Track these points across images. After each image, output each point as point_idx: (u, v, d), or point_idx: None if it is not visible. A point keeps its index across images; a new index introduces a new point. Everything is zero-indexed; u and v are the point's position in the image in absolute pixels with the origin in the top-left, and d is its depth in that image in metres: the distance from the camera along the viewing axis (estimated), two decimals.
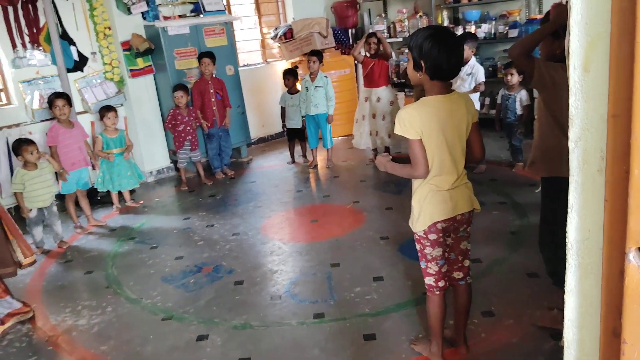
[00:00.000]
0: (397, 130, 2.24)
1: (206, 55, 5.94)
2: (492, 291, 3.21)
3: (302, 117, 6.18)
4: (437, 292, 2.46)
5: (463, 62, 2.23)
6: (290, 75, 6.35)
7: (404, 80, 7.32)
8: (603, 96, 0.80)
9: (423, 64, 2.18)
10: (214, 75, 6.08)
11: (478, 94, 5.34)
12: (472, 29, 6.81)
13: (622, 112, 0.74)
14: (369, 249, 4.00)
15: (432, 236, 2.36)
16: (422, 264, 2.46)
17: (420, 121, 2.19)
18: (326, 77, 6.04)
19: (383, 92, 5.89)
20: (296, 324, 3.11)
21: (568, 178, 0.90)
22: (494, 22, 6.78)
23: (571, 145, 0.87)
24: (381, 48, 5.79)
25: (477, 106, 5.44)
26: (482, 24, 6.82)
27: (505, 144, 5.77)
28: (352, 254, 3.94)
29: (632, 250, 0.77)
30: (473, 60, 5.25)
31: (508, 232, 4.04)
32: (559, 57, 2.56)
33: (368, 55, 5.88)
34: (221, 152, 6.28)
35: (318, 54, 6.02)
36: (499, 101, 5.45)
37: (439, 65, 2.16)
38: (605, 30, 0.77)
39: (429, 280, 2.46)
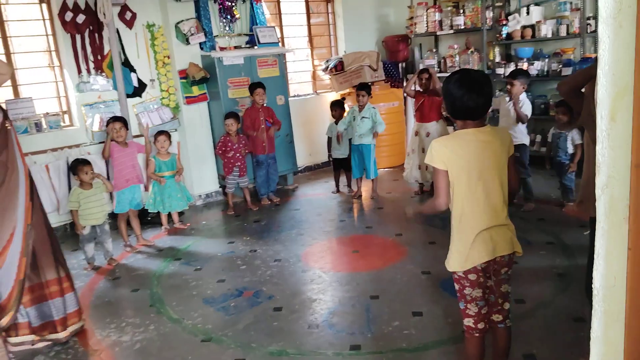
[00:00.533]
0: (427, 159, 2.31)
1: (260, 85, 6.13)
2: (535, 334, 3.13)
3: (339, 132, 6.23)
4: (477, 335, 2.42)
5: (485, 101, 2.28)
6: (337, 106, 6.45)
7: None
8: (629, 145, 0.81)
9: (445, 104, 2.31)
10: (264, 105, 6.25)
11: (525, 126, 5.26)
12: (524, 66, 6.76)
13: None
14: (410, 282, 3.98)
15: (472, 276, 2.33)
16: (461, 305, 2.44)
17: (448, 153, 2.24)
18: (374, 108, 6.10)
19: (433, 127, 5.91)
20: (332, 354, 3.11)
21: None
22: (547, 60, 6.70)
23: (598, 192, 0.88)
24: (431, 84, 5.83)
25: (527, 140, 5.34)
26: (535, 61, 6.75)
27: (555, 183, 5.65)
28: (393, 287, 3.92)
29: None
30: (523, 96, 5.20)
31: (555, 273, 3.93)
32: None
33: (420, 90, 5.93)
34: (268, 179, 6.41)
35: (367, 88, 6.11)
36: (549, 139, 5.36)
37: (457, 106, 2.25)
38: (632, 81, 0.79)
39: (468, 322, 2.43)
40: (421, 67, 7.82)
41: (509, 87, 5.20)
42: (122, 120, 5.16)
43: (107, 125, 5.19)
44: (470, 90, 2.22)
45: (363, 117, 6.03)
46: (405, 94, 6.08)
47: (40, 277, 3.33)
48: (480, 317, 2.40)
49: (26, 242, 3.20)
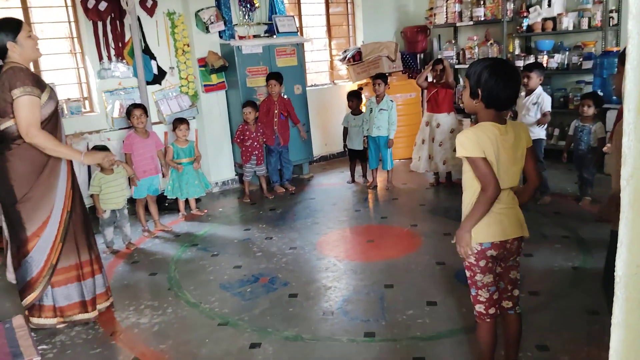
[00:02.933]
0: (460, 153, 2.28)
1: (272, 77, 6.14)
2: (548, 325, 3.14)
3: (364, 136, 6.24)
4: (488, 320, 2.45)
5: (518, 93, 2.29)
6: (353, 97, 6.45)
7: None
8: None
9: (480, 92, 2.26)
10: (281, 96, 6.28)
11: (545, 126, 5.23)
12: (544, 58, 6.71)
13: None
14: (424, 273, 4.00)
15: (482, 262, 2.36)
16: (473, 291, 2.46)
17: (480, 142, 2.24)
18: (392, 101, 6.10)
19: (444, 119, 5.91)
20: (346, 340, 3.15)
21: None
22: (567, 53, 6.64)
23: (623, 183, 0.90)
24: (445, 77, 5.80)
25: (544, 135, 5.30)
26: (555, 54, 6.70)
27: (572, 176, 5.63)
28: (407, 276, 3.95)
29: None
30: (540, 90, 5.15)
31: (569, 267, 3.93)
32: None
33: (434, 81, 5.92)
34: (282, 167, 6.45)
35: (383, 77, 6.10)
36: (570, 132, 5.30)
37: (495, 95, 2.23)
38: None
39: (479, 308, 2.46)
40: (438, 57, 7.82)
41: (525, 80, 5.16)
42: (142, 108, 5.22)
43: (127, 114, 5.23)
44: (509, 80, 2.23)
45: (381, 109, 6.03)
46: (418, 85, 6.08)
47: (76, 258, 3.42)
48: (491, 303, 2.43)
49: (64, 228, 3.29)
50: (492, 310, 2.44)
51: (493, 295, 2.43)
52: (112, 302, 3.71)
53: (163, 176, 5.59)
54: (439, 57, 7.18)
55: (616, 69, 2.79)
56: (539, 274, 3.81)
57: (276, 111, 6.21)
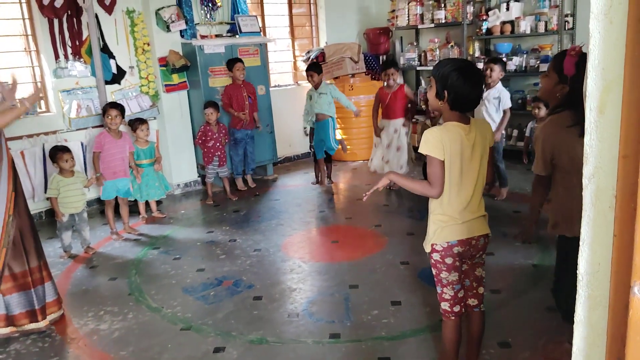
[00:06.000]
0: (423, 150, 2.29)
1: (239, 60, 6.20)
2: (509, 322, 3.20)
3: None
4: (453, 318, 2.47)
5: (486, 88, 2.33)
6: None
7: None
8: (616, 137, 0.85)
9: (446, 94, 2.27)
10: (245, 80, 6.29)
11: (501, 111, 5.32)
12: None
13: (632, 153, 0.79)
14: (389, 273, 4.02)
15: (449, 260, 2.39)
16: (438, 289, 2.48)
17: (444, 143, 2.25)
18: (329, 83, 6.11)
19: (399, 124, 5.87)
20: (312, 342, 3.14)
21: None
22: (525, 56, 6.81)
23: (585, 181, 0.92)
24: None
25: (501, 136, 5.39)
26: (514, 57, 6.85)
27: (531, 176, 5.74)
28: (371, 277, 3.97)
29: (637, 284, 0.81)
30: (500, 85, 5.27)
31: (529, 264, 4.02)
32: (557, 100, 2.71)
33: (385, 84, 5.86)
34: (246, 157, 6.43)
35: (315, 68, 6.11)
36: (527, 133, 5.45)
37: (461, 98, 2.25)
38: (620, 76, 0.83)
39: (444, 306, 2.48)
40: (401, 60, 7.89)
41: (488, 72, 5.22)
42: (119, 108, 5.08)
43: (103, 114, 5.10)
44: (475, 84, 2.25)
45: (320, 93, 6.04)
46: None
47: (24, 265, 3.28)
48: (456, 301, 2.45)
49: (7, 233, 3.14)
50: (456, 308, 2.46)
51: (458, 294, 2.45)
52: (63, 313, 3.57)
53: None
54: (403, 60, 7.22)
55: (546, 71, 2.85)
56: (500, 272, 3.88)
57: (244, 94, 6.22)
